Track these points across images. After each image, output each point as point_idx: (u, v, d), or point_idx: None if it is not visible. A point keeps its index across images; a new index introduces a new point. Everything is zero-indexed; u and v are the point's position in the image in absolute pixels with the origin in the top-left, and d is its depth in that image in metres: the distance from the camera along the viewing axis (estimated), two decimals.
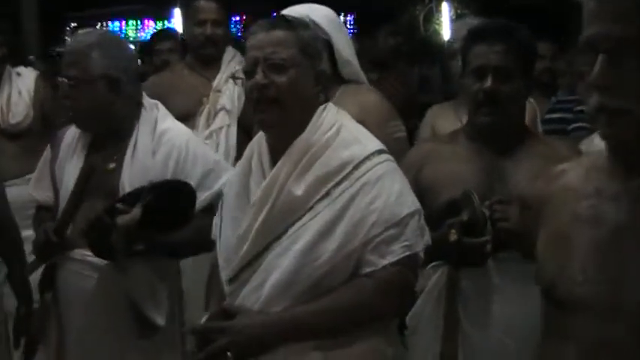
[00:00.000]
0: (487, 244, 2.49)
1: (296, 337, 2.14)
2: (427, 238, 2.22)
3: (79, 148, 2.98)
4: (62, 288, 2.95)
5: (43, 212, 3.09)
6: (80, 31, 3.02)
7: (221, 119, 4.05)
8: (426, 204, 2.50)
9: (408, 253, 2.14)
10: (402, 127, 3.26)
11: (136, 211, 2.65)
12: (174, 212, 2.75)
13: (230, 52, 4.28)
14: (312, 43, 2.26)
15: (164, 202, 2.70)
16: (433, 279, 2.61)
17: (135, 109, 2.95)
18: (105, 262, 2.79)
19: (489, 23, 2.83)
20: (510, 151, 2.65)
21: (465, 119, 3.63)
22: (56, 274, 2.95)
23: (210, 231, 2.56)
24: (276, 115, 2.20)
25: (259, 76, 2.18)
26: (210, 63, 4.20)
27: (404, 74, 5.40)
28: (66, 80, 2.87)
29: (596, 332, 1.47)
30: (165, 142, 2.91)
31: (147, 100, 3.01)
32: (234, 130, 4.03)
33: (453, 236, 2.48)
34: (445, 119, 3.94)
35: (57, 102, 4.59)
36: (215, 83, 4.13)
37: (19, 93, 4.48)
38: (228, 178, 2.78)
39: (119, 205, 2.67)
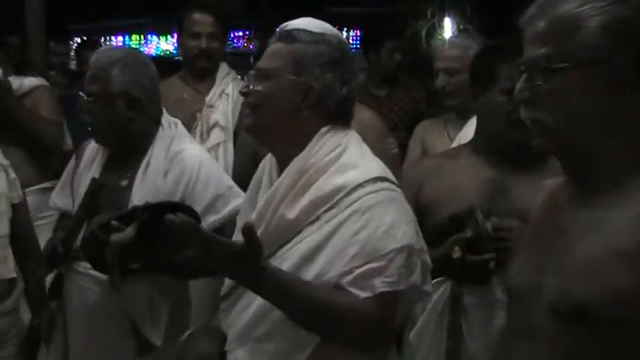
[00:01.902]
0: (491, 261, 2.51)
1: (264, 293, 2.05)
2: (415, 277, 2.10)
3: (96, 162, 3.00)
4: (67, 298, 2.97)
5: (65, 220, 3.11)
6: (105, 47, 3.04)
7: (216, 135, 4.04)
8: (428, 220, 2.52)
9: (387, 290, 2.03)
10: (395, 144, 3.29)
11: (130, 230, 2.60)
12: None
13: (225, 68, 4.27)
14: (310, 59, 2.19)
15: (160, 222, 2.67)
16: (436, 295, 2.61)
17: (153, 127, 2.96)
18: (106, 276, 2.79)
19: (514, 41, 2.84)
20: (512, 164, 2.67)
21: (453, 134, 3.66)
22: (63, 285, 2.98)
23: None
24: (251, 120, 2.25)
25: (244, 84, 2.25)
26: (204, 77, 4.19)
27: (412, 90, 5.43)
28: (85, 96, 2.89)
29: (521, 317, 1.64)
30: (178, 163, 2.91)
31: (166, 119, 3.02)
32: (230, 145, 4.02)
33: (457, 253, 2.50)
34: (434, 135, 3.97)
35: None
36: (208, 98, 4.12)
37: None
38: (238, 204, 2.79)
39: (114, 223, 2.64)
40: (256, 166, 2.41)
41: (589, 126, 1.56)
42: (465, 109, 3.54)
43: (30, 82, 4.53)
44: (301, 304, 2.05)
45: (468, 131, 3.23)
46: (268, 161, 2.32)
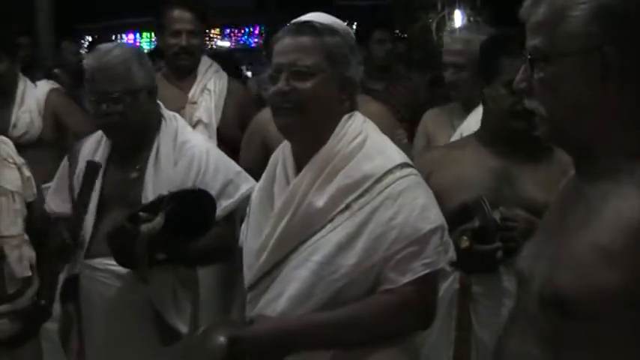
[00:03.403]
0: (498, 251, 2.53)
1: (310, 345, 2.13)
2: (451, 254, 2.19)
3: (97, 158, 3.00)
4: (84, 297, 2.96)
5: (62, 223, 3.08)
6: (101, 46, 3.03)
7: (200, 132, 3.98)
8: None
9: (428, 271, 2.10)
10: (405, 135, 3.31)
11: (159, 220, 2.65)
12: (195, 220, 2.77)
13: (206, 61, 4.24)
14: (338, 50, 2.22)
15: (185, 210, 2.71)
16: (445, 284, 2.63)
17: (159, 119, 3.01)
18: (127, 270, 2.81)
19: (517, 34, 2.86)
20: (518, 153, 2.68)
21: (457, 125, 3.68)
22: (78, 285, 2.96)
23: (229, 239, 2.58)
24: (296, 121, 2.20)
25: (282, 83, 2.19)
26: (185, 74, 4.16)
27: (409, 81, 5.41)
28: (109, 95, 2.86)
29: (520, 299, 1.69)
30: (186, 152, 2.95)
31: (165, 111, 3.05)
32: (214, 142, 3.95)
33: (465, 243, 2.51)
34: (439, 124, 3.97)
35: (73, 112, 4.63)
36: (190, 95, 4.09)
37: (28, 105, 4.47)
38: (248, 188, 2.88)
39: (142, 214, 2.68)
40: (267, 156, 2.42)
41: (581, 115, 1.55)
42: (471, 101, 3.56)
43: (40, 93, 4.52)
44: (343, 329, 2.12)
45: (470, 122, 3.25)
46: (281, 153, 2.33)
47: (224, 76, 4.25)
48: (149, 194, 2.86)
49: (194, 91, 4.11)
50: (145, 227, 2.65)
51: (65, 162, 3.15)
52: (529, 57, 1.58)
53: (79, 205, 2.94)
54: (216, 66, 4.26)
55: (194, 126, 3.93)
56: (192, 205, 2.74)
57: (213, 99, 4.10)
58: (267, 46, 5.91)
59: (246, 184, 2.96)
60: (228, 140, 3.91)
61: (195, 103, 4.08)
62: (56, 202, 3.13)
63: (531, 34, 1.59)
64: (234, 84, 4.31)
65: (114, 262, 2.80)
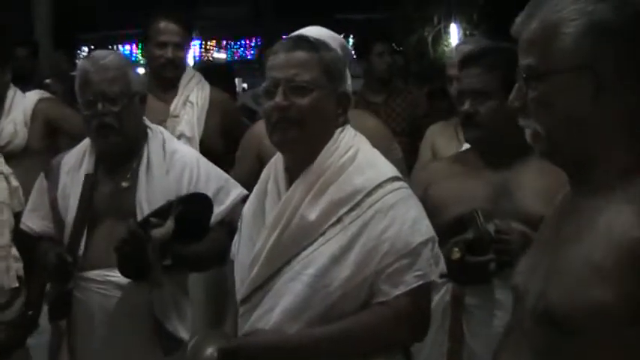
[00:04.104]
0: (491, 263, 2.54)
1: (304, 359, 2.16)
2: (442, 266, 2.21)
3: (82, 171, 2.98)
4: (81, 311, 2.92)
5: (45, 242, 3.05)
6: (96, 53, 3.04)
7: None
8: (433, 222, 2.55)
9: (420, 283, 2.12)
10: (399, 149, 3.33)
11: (170, 224, 2.69)
12: (195, 225, 2.81)
13: (189, 73, 4.22)
14: (335, 65, 2.24)
15: (190, 214, 2.75)
16: (438, 296, 2.63)
17: (144, 129, 3.03)
18: (128, 280, 2.80)
19: (479, 48, 2.92)
20: (516, 166, 2.69)
21: (463, 138, 3.71)
22: (72, 300, 2.92)
23: (223, 244, 2.59)
24: (294, 136, 2.20)
25: (279, 98, 2.18)
26: (169, 86, 4.14)
27: (409, 94, 5.43)
28: (106, 95, 2.87)
29: (516, 314, 1.69)
30: (177, 161, 2.98)
31: (149, 122, 3.09)
32: None
33: (456, 254, 2.52)
34: (445, 138, 3.98)
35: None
36: (172, 108, 4.07)
37: (13, 116, 4.38)
38: (237, 193, 2.94)
39: (153, 219, 2.71)
40: (261, 169, 2.43)
41: (576, 131, 1.55)
42: None
43: (28, 103, 4.49)
44: (342, 342, 2.13)
45: None
46: (273, 168, 2.33)
47: (206, 87, 4.22)
48: (143, 203, 2.87)
49: (176, 104, 4.09)
50: (157, 232, 2.68)
51: (42, 179, 3.10)
52: (523, 76, 1.58)
53: (78, 221, 2.92)
54: (198, 77, 4.24)
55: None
56: (195, 210, 2.80)
57: (195, 112, 4.09)
58: (261, 58, 5.91)
59: (235, 189, 3.01)
60: (212, 152, 3.89)
61: (177, 116, 4.06)
62: (35, 221, 3.08)
63: (523, 53, 1.58)
64: (216, 94, 4.27)
65: (113, 273, 2.80)
